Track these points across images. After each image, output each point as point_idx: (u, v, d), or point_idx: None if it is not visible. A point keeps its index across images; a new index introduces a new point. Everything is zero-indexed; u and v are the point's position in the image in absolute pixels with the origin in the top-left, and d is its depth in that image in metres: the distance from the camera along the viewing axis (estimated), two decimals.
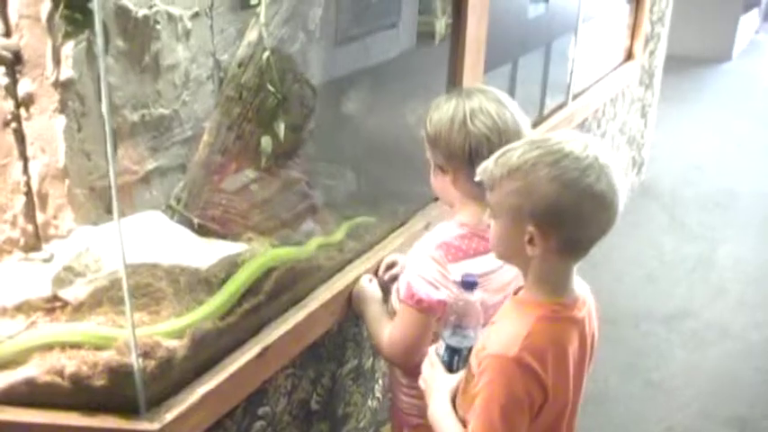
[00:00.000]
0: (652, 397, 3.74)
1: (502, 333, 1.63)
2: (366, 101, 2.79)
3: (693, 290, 4.80)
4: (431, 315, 1.93)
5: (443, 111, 2.00)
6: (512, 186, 1.59)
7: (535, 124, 3.73)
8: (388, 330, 2.02)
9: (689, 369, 3.99)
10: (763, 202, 6.18)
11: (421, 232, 2.50)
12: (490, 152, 1.92)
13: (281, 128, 2.18)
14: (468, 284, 1.74)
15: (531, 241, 1.59)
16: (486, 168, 1.65)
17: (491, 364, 1.59)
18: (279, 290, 2.00)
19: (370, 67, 3.06)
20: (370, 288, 2.20)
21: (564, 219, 1.56)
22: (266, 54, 2.15)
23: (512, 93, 3.56)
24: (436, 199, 2.60)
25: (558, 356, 1.64)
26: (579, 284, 1.73)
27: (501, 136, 1.94)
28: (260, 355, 1.87)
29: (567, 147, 1.57)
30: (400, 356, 2.03)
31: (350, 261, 2.29)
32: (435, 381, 1.77)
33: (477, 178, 1.68)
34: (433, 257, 1.92)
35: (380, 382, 2.65)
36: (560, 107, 4.09)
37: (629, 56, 5.34)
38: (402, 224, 2.56)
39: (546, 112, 3.97)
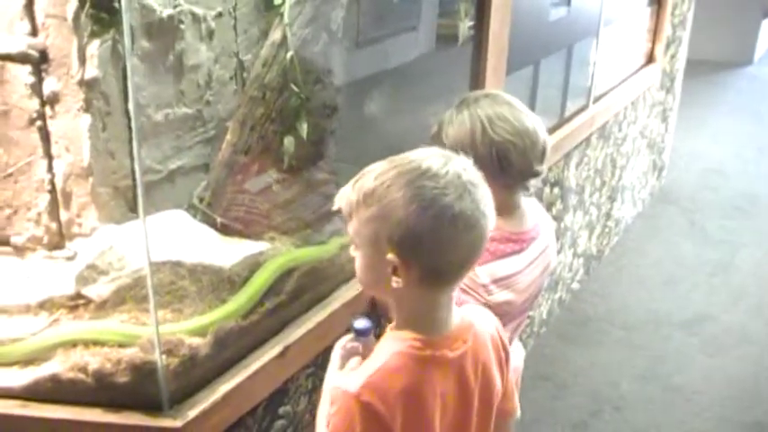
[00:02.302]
0: (671, 402, 3.73)
1: (361, 366, 1.52)
2: (387, 102, 2.79)
3: (713, 294, 4.78)
4: None
5: (458, 125, 1.98)
6: (368, 213, 1.45)
7: (556, 127, 3.72)
8: None
9: (708, 374, 3.97)
10: None
11: None
12: (518, 156, 1.91)
13: (303, 128, 2.19)
14: (360, 332, 1.63)
15: (395, 272, 1.45)
16: (342, 195, 1.52)
17: (335, 396, 1.46)
18: (301, 289, 2.01)
19: (390, 68, 3.06)
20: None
21: (423, 244, 1.42)
22: (290, 54, 2.15)
23: (533, 95, 3.57)
24: None
25: (412, 399, 1.47)
26: (466, 316, 1.60)
27: (524, 138, 1.94)
28: (281, 355, 1.87)
29: (425, 164, 1.44)
30: None
31: None
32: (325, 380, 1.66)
33: (334, 207, 1.56)
34: None
35: None
36: (581, 110, 4.08)
37: (651, 59, 5.32)
38: None
39: (567, 114, 3.96)
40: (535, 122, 1.99)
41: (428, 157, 1.47)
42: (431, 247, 1.43)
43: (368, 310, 2.16)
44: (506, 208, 1.95)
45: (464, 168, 1.47)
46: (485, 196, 1.47)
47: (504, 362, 1.68)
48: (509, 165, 1.90)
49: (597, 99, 4.27)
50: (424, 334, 1.50)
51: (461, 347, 1.54)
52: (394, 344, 1.51)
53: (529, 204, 2.12)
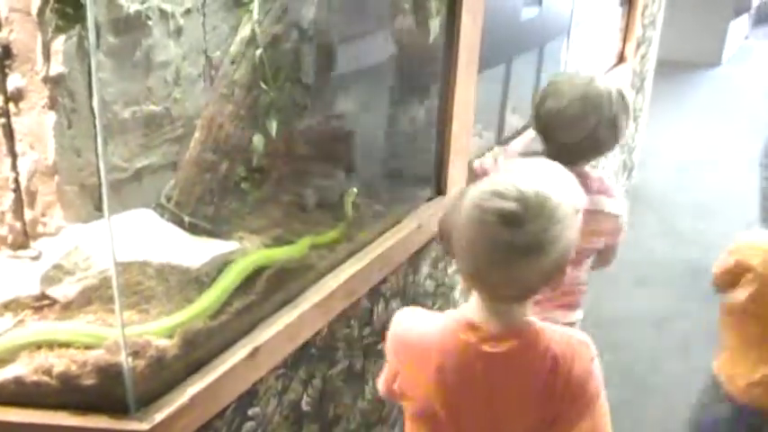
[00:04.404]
0: (645, 402, 3.73)
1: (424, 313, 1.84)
2: (358, 100, 2.77)
3: (685, 294, 4.80)
4: None
5: None
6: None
7: (527, 127, 3.71)
8: None
9: (682, 374, 3.98)
10: (753, 207, 6.18)
11: (413, 232, 2.50)
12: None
13: (273, 126, 2.16)
14: None
15: None
16: None
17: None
18: (270, 289, 1.98)
19: (362, 66, 3.04)
20: None
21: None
22: (259, 52, 2.12)
23: (504, 94, 3.55)
24: (429, 199, 2.61)
25: (416, 359, 1.73)
26: (530, 335, 1.69)
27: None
28: (251, 356, 1.85)
29: (493, 182, 1.58)
30: None
31: (342, 261, 2.27)
32: None
33: None
34: None
35: (370, 383, 2.63)
36: None
37: (621, 59, 5.34)
38: (395, 224, 2.54)
39: None
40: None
41: (500, 180, 1.59)
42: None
43: None
44: None
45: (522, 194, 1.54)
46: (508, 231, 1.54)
47: (560, 396, 1.76)
48: None
49: None
50: (473, 319, 1.68)
51: (500, 347, 1.65)
52: (454, 312, 1.74)
53: None
